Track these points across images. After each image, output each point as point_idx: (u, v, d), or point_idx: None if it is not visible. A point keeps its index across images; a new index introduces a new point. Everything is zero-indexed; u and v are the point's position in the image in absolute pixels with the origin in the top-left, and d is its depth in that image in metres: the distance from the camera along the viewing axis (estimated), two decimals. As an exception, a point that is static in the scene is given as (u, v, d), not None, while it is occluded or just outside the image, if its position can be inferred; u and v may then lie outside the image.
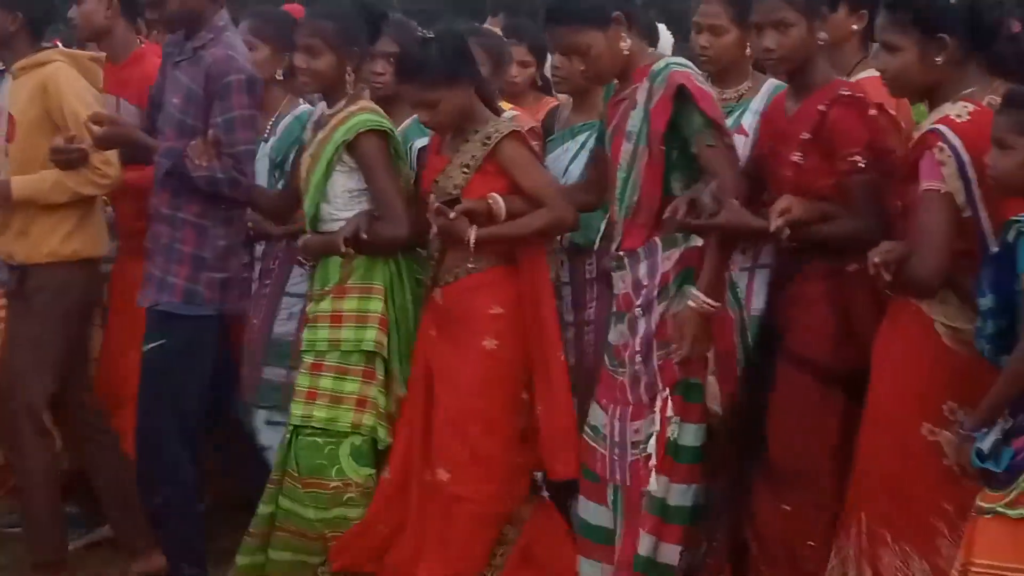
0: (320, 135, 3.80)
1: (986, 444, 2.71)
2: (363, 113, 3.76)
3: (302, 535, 3.82)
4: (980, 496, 2.72)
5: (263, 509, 3.85)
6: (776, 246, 3.25)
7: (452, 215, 3.53)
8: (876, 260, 2.87)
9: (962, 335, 2.95)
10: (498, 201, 3.58)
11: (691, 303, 3.22)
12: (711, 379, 3.33)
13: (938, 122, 2.97)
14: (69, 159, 4.00)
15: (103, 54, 4.49)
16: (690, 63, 3.57)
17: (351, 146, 3.73)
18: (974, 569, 2.67)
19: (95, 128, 3.93)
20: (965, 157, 2.90)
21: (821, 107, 3.19)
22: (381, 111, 3.85)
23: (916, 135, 3.09)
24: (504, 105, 3.99)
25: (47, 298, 4.15)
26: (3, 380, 4.21)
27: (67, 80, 4.15)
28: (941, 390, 2.99)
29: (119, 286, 4.50)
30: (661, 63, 3.49)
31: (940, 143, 2.91)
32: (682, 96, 3.34)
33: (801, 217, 3.11)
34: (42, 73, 4.14)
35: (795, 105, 3.29)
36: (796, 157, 3.23)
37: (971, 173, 2.90)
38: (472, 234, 3.52)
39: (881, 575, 3.01)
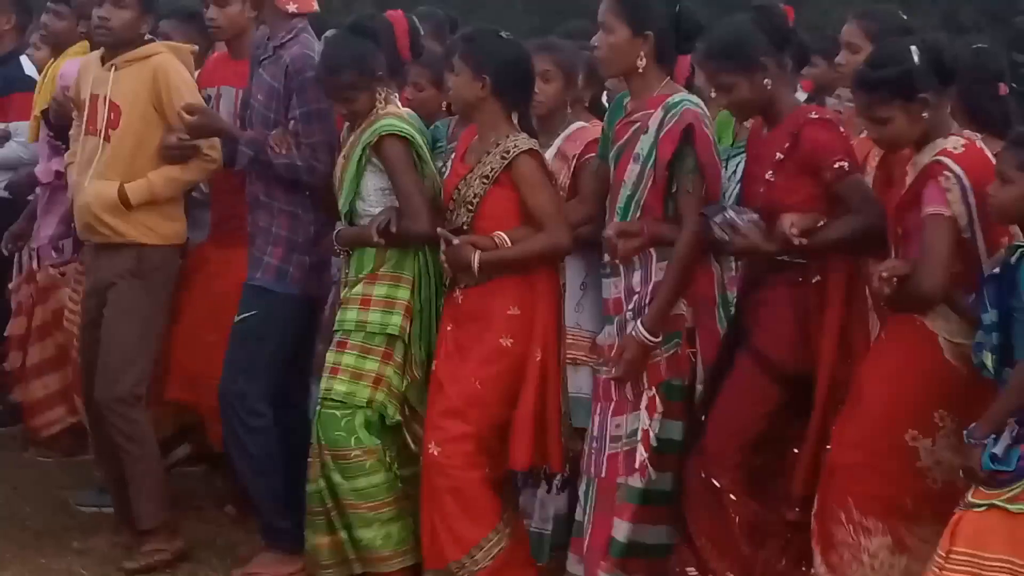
0: (352, 138, 4.24)
1: (999, 448, 3.14)
2: (386, 118, 4.18)
3: (357, 509, 4.16)
4: (972, 493, 3.18)
5: (311, 487, 4.20)
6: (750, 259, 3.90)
7: (455, 241, 4.00)
8: (883, 274, 3.38)
9: (962, 350, 3.40)
10: (504, 239, 4.02)
11: (634, 334, 3.77)
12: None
13: (939, 154, 3.43)
14: (183, 154, 4.51)
15: (196, 47, 4.91)
16: (702, 103, 3.99)
17: (375, 148, 4.17)
18: (955, 557, 3.14)
19: (187, 117, 4.37)
20: (967, 184, 3.38)
21: (792, 130, 3.73)
22: (405, 117, 4.25)
23: (911, 169, 3.54)
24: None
25: (162, 277, 4.60)
26: (109, 359, 4.47)
27: (176, 71, 4.55)
28: (933, 400, 3.47)
29: (202, 269, 4.96)
30: (677, 97, 3.91)
31: (945, 172, 3.39)
32: (687, 135, 3.81)
33: (807, 227, 3.59)
34: (150, 64, 4.52)
35: (767, 132, 3.86)
36: (768, 175, 3.77)
37: (972, 199, 3.38)
38: (476, 261, 3.97)
39: (854, 551, 3.46)
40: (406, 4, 5.20)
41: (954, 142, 3.46)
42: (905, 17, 4.89)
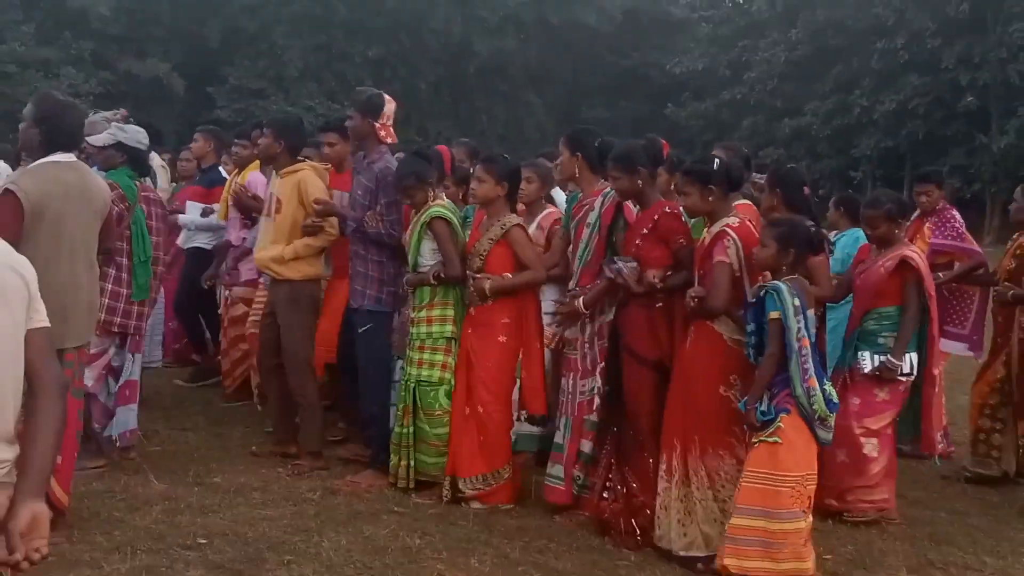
0: (414, 219, 6.23)
1: (764, 407, 4.91)
2: (435, 207, 6.17)
3: (428, 444, 6.18)
4: (751, 437, 4.97)
5: (400, 430, 6.24)
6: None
7: (478, 277, 6.03)
8: (692, 294, 5.23)
9: (738, 341, 5.21)
10: (506, 276, 6.05)
11: (576, 303, 5.79)
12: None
13: (725, 226, 5.24)
14: (314, 230, 6.66)
15: (329, 165, 7.17)
16: None
17: (428, 225, 6.15)
18: (748, 473, 4.89)
19: (318, 208, 6.60)
20: (740, 244, 5.21)
21: (654, 215, 5.57)
22: (447, 206, 6.27)
23: (708, 235, 5.33)
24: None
25: (307, 299, 6.78)
26: (289, 350, 6.70)
27: (312, 180, 6.73)
28: (727, 369, 5.24)
29: (328, 294, 7.18)
30: (608, 189, 5.84)
31: (728, 236, 5.21)
32: (619, 209, 5.83)
33: (661, 277, 5.50)
34: (298, 176, 6.71)
35: (639, 212, 5.74)
36: (638, 241, 5.60)
37: (742, 253, 5.22)
38: (488, 287, 6.00)
39: (714, 468, 5.21)
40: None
41: (732, 219, 5.23)
42: (745, 151, 6.95)
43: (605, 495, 5.63)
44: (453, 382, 6.15)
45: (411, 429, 6.18)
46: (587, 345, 5.85)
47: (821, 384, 4.90)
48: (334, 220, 6.68)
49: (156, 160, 8.93)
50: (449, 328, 6.20)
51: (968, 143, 36.20)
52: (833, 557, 5.48)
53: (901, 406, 6.19)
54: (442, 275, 6.11)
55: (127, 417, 6.52)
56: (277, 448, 6.89)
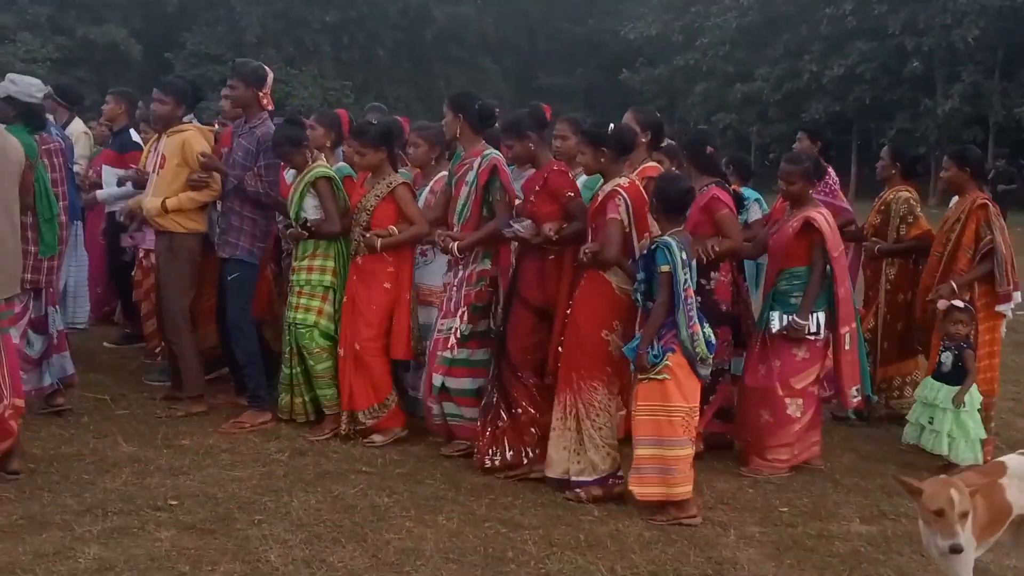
0: (298, 177, 6.60)
1: (655, 351, 5.22)
2: (318, 167, 6.57)
3: (319, 378, 6.59)
4: (639, 373, 5.30)
5: (287, 370, 6.65)
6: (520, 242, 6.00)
7: (368, 235, 6.35)
8: (585, 250, 5.52)
9: (625, 290, 5.57)
10: (393, 231, 6.38)
11: (452, 247, 6.16)
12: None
13: (616, 186, 5.58)
14: (199, 184, 6.77)
15: (215, 126, 7.55)
16: (500, 153, 6.29)
17: (313, 183, 6.52)
18: (640, 407, 5.29)
19: (204, 160, 6.73)
20: (629, 202, 5.55)
21: (544, 174, 5.94)
22: (328, 166, 6.68)
23: (601, 193, 5.65)
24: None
25: (185, 252, 6.84)
26: (164, 297, 6.90)
27: (196, 138, 6.84)
28: (612, 315, 5.61)
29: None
30: (487, 151, 6.28)
31: (619, 195, 5.55)
32: (494, 171, 6.18)
33: (555, 228, 5.78)
34: (183, 135, 6.81)
35: (531, 172, 6.13)
36: (532, 198, 5.94)
37: (631, 210, 5.55)
38: (379, 244, 6.35)
39: (588, 400, 5.59)
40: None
41: (623, 180, 5.61)
42: (658, 115, 6.83)
43: (499, 424, 5.97)
44: (331, 327, 6.58)
45: (300, 368, 6.62)
46: (455, 288, 6.29)
47: (702, 327, 5.28)
48: (217, 176, 6.84)
49: (79, 126, 8.71)
50: (328, 278, 6.62)
51: (913, 108, 36.49)
52: (790, 509, 5.56)
53: (823, 362, 6.24)
54: (311, 227, 6.52)
55: (63, 363, 6.69)
56: (173, 393, 7.17)
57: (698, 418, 5.45)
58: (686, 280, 5.20)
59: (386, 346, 6.48)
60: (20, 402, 5.55)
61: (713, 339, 5.38)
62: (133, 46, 40.52)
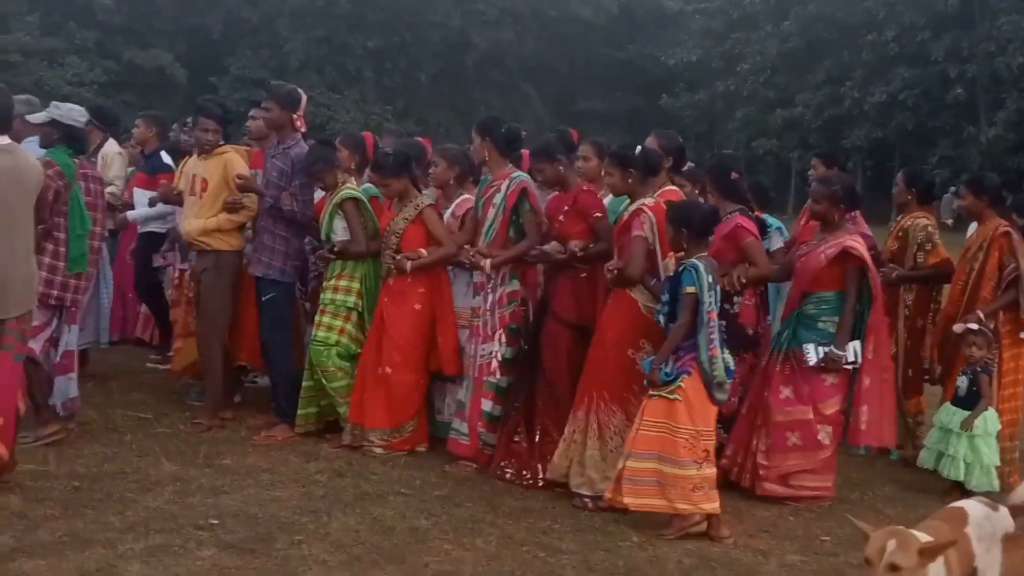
0: (328, 200, 6.77)
1: (669, 368, 5.30)
2: (346, 189, 6.72)
3: (331, 396, 6.74)
4: (651, 391, 5.34)
5: (307, 383, 6.80)
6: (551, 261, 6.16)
7: (398, 257, 6.49)
8: (610, 267, 5.70)
9: (650, 308, 5.69)
10: (421, 253, 6.48)
11: (483, 264, 6.22)
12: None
13: (642, 205, 5.75)
14: (235, 207, 6.96)
15: (252, 148, 7.72)
16: (528, 176, 6.47)
17: (339, 205, 6.68)
18: (645, 423, 5.31)
19: (240, 182, 6.88)
20: (655, 221, 5.70)
21: (574, 195, 6.12)
22: (356, 188, 6.82)
23: (626, 213, 5.84)
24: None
25: (230, 269, 7.06)
26: (207, 313, 7.04)
27: (237, 160, 7.06)
28: (639, 333, 5.74)
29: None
30: (515, 173, 6.43)
31: (645, 214, 5.72)
32: (523, 193, 6.30)
33: (583, 247, 5.97)
34: (224, 157, 7.02)
35: (559, 194, 6.27)
36: (561, 218, 6.14)
37: (656, 229, 5.69)
38: (408, 267, 6.47)
39: (605, 422, 5.74)
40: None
41: (649, 200, 5.80)
42: (680, 140, 6.86)
43: (516, 439, 6.17)
44: (352, 346, 6.75)
45: (311, 383, 6.80)
46: (488, 313, 6.36)
47: (723, 353, 5.30)
48: (254, 196, 6.99)
49: (114, 147, 8.78)
50: (352, 299, 6.75)
51: (956, 135, 36.27)
52: (831, 538, 5.50)
53: (846, 390, 6.14)
54: (337, 249, 6.68)
55: (67, 386, 6.64)
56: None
57: (712, 444, 5.41)
58: (710, 303, 5.25)
59: (415, 371, 6.60)
60: (1, 420, 5.44)
61: (732, 365, 5.41)
62: (178, 70, 41.17)
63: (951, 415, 6.31)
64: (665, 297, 5.45)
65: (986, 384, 6.26)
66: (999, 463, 6.27)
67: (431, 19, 45.44)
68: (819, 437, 6.02)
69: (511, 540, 5.21)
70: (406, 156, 6.70)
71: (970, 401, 6.29)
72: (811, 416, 6.01)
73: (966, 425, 6.18)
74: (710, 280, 5.27)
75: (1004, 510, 3.90)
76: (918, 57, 36.43)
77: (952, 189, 28.69)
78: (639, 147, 6.05)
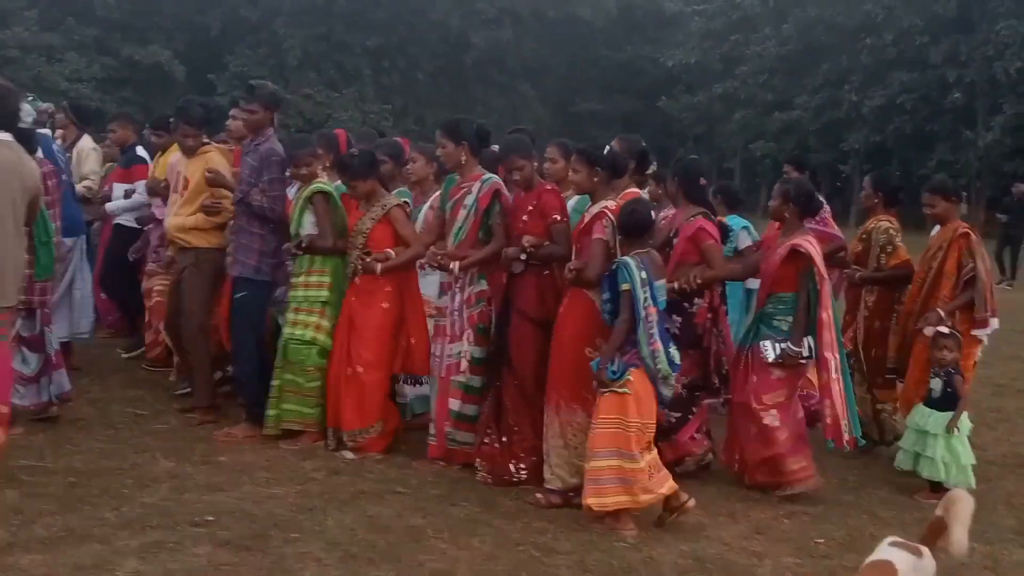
0: (297, 193, 6.73)
1: (616, 367, 5.34)
2: (317, 183, 6.67)
3: (303, 395, 6.67)
4: (600, 387, 5.39)
5: (276, 382, 6.67)
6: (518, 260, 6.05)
7: (368, 259, 6.48)
8: (570, 267, 5.69)
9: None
10: (390, 254, 6.50)
11: (452, 267, 6.23)
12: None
13: (604, 208, 5.74)
14: (212, 209, 7.02)
15: (233, 146, 7.74)
16: (499, 178, 6.42)
17: (310, 199, 6.62)
18: (601, 420, 5.37)
19: (209, 176, 6.96)
20: (615, 223, 5.64)
21: (537, 195, 6.11)
22: (328, 182, 6.76)
23: (588, 214, 5.84)
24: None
25: (209, 266, 7.10)
26: (186, 309, 7.10)
27: (218, 159, 7.18)
28: (595, 332, 5.68)
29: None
30: (487, 176, 6.40)
31: (606, 217, 5.71)
32: (496, 195, 6.33)
33: (536, 244, 5.99)
34: (206, 156, 7.14)
35: (524, 194, 6.20)
36: (525, 217, 6.13)
37: (615, 232, 5.63)
38: (379, 269, 6.47)
39: (568, 420, 5.76)
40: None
41: (610, 201, 5.78)
42: (643, 144, 7.07)
43: (486, 441, 6.18)
44: (329, 342, 6.63)
45: (279, 382, 6.66)
46: (456, 313, 6.37)
47: (666, 347, 5.38)
48: (230, 195, 7.01)
49: (88, 143, 9.01)
50: (325, 293, 6.69)
51: (954, 139, 36.32)
52: (826, 541, 5.50)
53: (797, 383, 6.42)
54: (304, 244, 6.60)
55: (61, 380, 6.84)
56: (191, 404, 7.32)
57: (653, 434, 5.52)
58: (646, 299, 5.31)
59: (381, 369, 6.61)
60: (5, 408, 5.60)
61: (677, 359, 5.50)
62: (177, 67, 41.13)
63: (925, 417, 6.36)
64: (606, 295, 5.53)
65: (960, 384, 6.34)
66: (974, 461, 6.37)
67: (430, 18, 45.45)
68: (766, 422, 6.23)
69: (507, 540, 5.21)
70: (372, 157, 6.69)
71: (944, 402, 6.35)
72: (754, 405, 6.26)
73: (951, 427, 6.24)
74: (643, 276, 5.33)
75: (927, 553, 3.82)
76: (916, 61, 36.47)
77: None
78: (607, 147, 6.09)
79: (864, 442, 6.81)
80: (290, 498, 5.63)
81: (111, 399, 7.51)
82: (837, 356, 6.22)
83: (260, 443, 6.65)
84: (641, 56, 49.85)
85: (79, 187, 8.66)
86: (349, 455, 6.45)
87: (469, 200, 6.35)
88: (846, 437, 6.18)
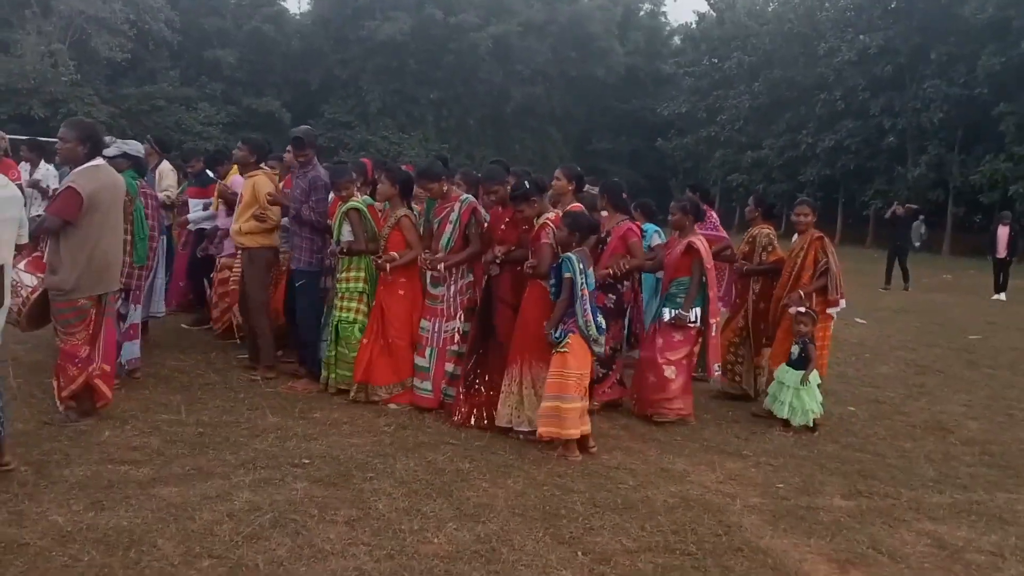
0: (339, 208, 6.77)
1: (559, 333, 5.59)
2: (352, 200, 6.74)
3: (347, 363, 6.76)
4: (554, 348, 5.57)
5: (329, 352, 6.83)
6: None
7: (380, 260, 6.58)
8: (528, 265, 5.90)
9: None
10: (394, 256, 6.59)
11: (439, 266, 6.41)
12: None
13: (546, 220, 5.95)
14: (260, 218, 7.11)
15: (278, 171, 7.97)
16: (474, 198, 6.64)
17: (346, 213, 6.72)
18: (552, 373, 5.59)
19: (268, 198, 7.11)
20: (556, 231, 5.84)
21: (516, 208, 6.09)
22: (359, 200, 6.78)
23: (537, 224, 5.99)
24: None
25: (261, 261, 7.22)
26: (248, 293, 7.27)
27: (263, 182, 7.25)
28: (549, 310, 5.74)
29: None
30: (464, 196, 6.63)
31: (549, 227, 5.91)
32: (474, 212, 6.49)
33: (504, 252, 6.18)
34: (254, 179, 7.26)
35: (502, 210, 6.36)
36: (503, 227, 6.32)
37: (557, 236, 5.81)
38: (387, 268, 6.57)
39: (536, 375, 5.85)
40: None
41: (551, 215, 6.00)
42: (532, 175, 6.87)
43: (473, 388, 6.30)
44: (365, 321, 6.78)
45: (333, 353, 6.82)
46: (452, 299, 6.59)
47: (595, 317, 5.63)
48: (276, 209, 7.25)
49: (167, 166, 9.14)
50: (361, 285, 6.82)
51: (889, 173, 35.81)
52: (784, 486, 5.44)
53: (694, 343, 6.84)
54: (343, 249, 6.74)
55: (132, 349, 6.91)
56: (251, 364, 7.48)
57: (588, 381, 5.76)
58: (582, 284, 5.59)
59: (408, 338, 6.69)
60: (108, 367, 5.79)
61: (604, 325, 5.76)
62: (284, 114, 41.36)
63: (785, 373, 6.82)
64: (552, 281, 5.77)
65: (812, 351, 6.80)
66: (817, 409, 6.78)
67: (479, 77, 45.38)
68: (666, 374, 6.70)
69: (534, 481, 5.20)
70: (405, 175, 6.85)
71: (799, 363, 6.81)
72: (659, 360, 6.70)
73: (804, 380, 6.71)
74: (580, 267, 5.61)
75: None
76: (859, 112, 35.94)
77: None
78: (524, 183, 6.13)
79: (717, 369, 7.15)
80: (367, 446, 5.63)
81: (231, 368, 7.55)
82: (719, 320, 6.95)
83: (331, 400, 6.66)
84: (643, 107, 49.51)
85: (160, 195, 8.69)
86: (394, 406, 6.53)
87: (453, 216, 6.56)
88: (717, 373, 7.03)
